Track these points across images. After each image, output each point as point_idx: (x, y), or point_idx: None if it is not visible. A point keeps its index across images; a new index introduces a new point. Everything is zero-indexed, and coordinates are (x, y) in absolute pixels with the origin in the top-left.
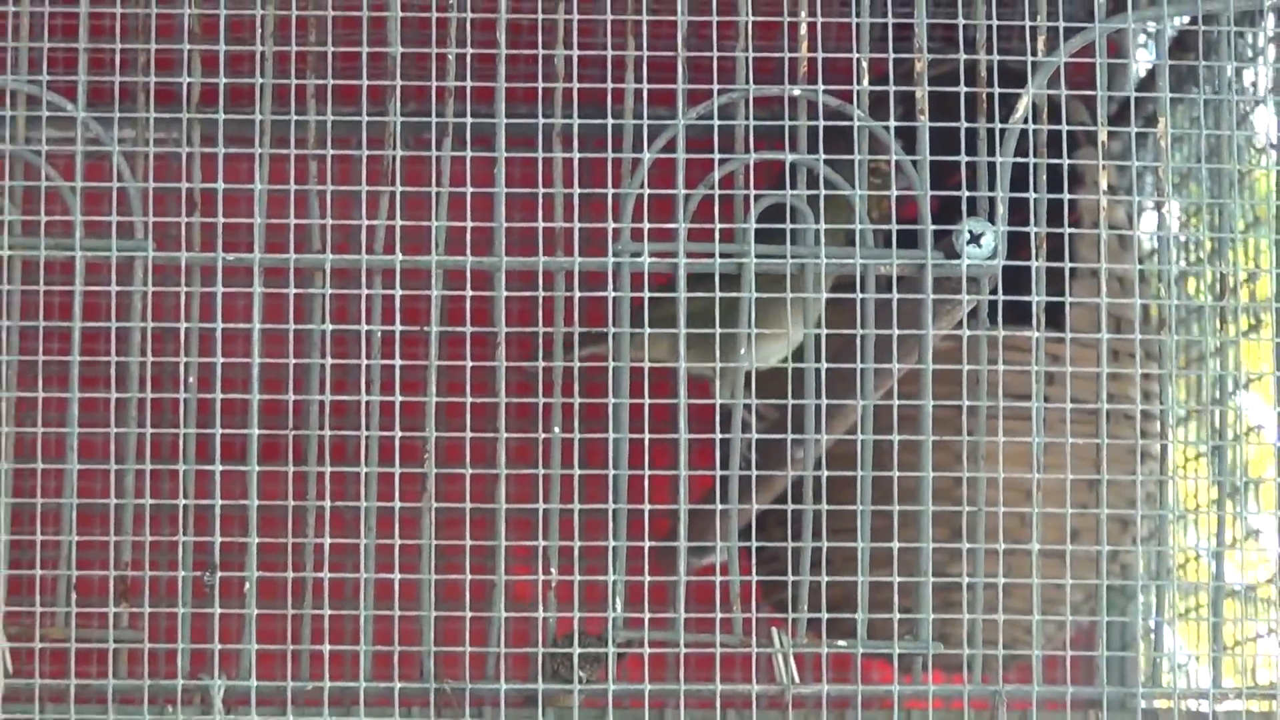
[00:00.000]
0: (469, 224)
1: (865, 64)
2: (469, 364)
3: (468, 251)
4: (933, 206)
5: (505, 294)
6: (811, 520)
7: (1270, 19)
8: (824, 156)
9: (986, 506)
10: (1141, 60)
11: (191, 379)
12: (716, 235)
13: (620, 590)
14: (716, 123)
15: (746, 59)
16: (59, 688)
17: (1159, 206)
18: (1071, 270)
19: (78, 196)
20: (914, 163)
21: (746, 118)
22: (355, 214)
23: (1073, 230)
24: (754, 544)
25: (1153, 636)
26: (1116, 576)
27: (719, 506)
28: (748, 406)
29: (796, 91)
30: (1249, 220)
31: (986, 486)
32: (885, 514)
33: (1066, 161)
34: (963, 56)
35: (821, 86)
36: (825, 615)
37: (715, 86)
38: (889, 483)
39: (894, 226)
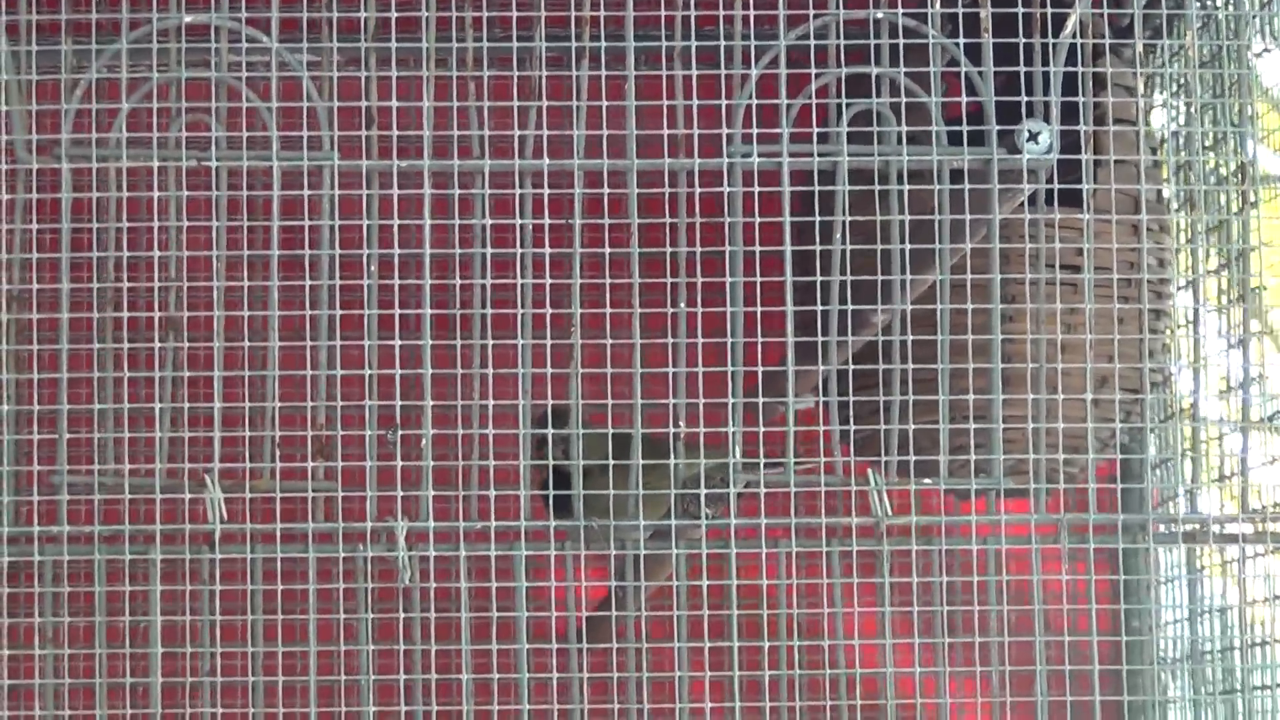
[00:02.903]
0: (605, 132)
1: None
2: (607, 251)
3: (604, 155)
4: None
5: (636, 191)
6: (892, 376)
7: None
8: (904, 69)
9: (1032, 362)
10: None
11: (373, 267)
12: (814, 137)
13: (738, 439)
14: (813, 42)
15: None
16: (266, 531)
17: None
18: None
19: (273, 115)
20: (980, 73)
21: (837, 37)
22: (508, 125)
23: (1099, 127)
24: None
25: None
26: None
27: (821, 367)
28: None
29: (879, 14)
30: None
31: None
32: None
33: (1133, 69)
34: None
35: (901, 10)
36: (913, 458)
37: (811, 11)
38: (950, 342)
39: (965, 128)
